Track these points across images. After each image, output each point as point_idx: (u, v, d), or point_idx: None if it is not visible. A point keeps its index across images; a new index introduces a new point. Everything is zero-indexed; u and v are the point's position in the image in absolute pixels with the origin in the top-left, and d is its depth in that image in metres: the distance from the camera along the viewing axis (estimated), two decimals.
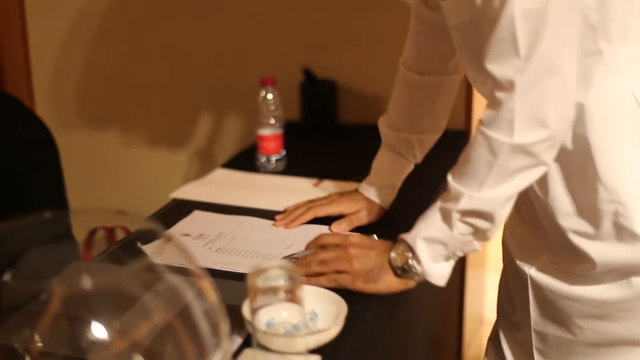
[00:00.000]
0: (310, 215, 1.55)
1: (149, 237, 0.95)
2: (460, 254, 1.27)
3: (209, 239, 1.49)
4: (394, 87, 1.57)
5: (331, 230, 1.51)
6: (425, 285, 1.28)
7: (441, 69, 1.50)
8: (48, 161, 2.19)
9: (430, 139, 1.57)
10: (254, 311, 1.06)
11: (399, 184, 1.58)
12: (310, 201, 1.60)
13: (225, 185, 1.81)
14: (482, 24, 1.16)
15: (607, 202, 1.23)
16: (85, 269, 0.94)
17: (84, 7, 2.55)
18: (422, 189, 1.62)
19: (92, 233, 2.54)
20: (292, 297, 1.06)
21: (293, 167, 1.93)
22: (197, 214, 1.63)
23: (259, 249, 1.45)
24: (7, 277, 0.89)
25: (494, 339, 1.56)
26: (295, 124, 2.30)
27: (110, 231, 2.51)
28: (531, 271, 1.39)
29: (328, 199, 1.59)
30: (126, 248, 1.20)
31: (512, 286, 1.48)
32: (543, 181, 1.30)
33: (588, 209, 1.25)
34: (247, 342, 1.14)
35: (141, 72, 2.58)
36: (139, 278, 0.90)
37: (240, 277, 1.23)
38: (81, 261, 0.90)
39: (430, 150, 1.59)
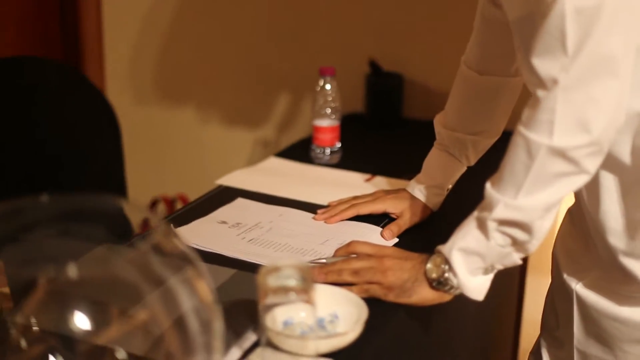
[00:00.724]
0: (352, 212, 1.50)
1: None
2: (499, 266, 1.19)
3: (245, 229, 1.46)
4: (453, 85, 1.50)
5: (383, 236, 1.45)
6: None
7: (502, 70, 1.42)
8: (110, 140, 2.21)
9: (486, 142, 1.49)
10: (263, 310, 1.03)
11: (448, 185, 1.52)
12: (355, 197, 1.55)
13: (274, 174, 1.77)
14: (536, 19, 1.08)
15: None
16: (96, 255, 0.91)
17: None
18: (477, 194, 1.54)
19: (153, 204, 2.57)
20: (304, 297, 1.02)
21: (349, 160, 1.88)
22: (239, 201, 1.60)
23: (293, 243, 1.41)
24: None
25: (535, 353, 1.50)
26: (358, 116, 2.26)
27: (170, 203, 2.53)
28: (578, 287, 1.32)
29: (373, 196, 1.54)
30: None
31: (557, 301, 1.41)
32: (594, 194, 1.22)
33: None
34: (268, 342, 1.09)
35: (212, 55, 2.57)
36: (136, 270, 0.87)
37: None
38: (106, 245, 0.87)
39: (490, 153, 1.51)
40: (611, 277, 1.26)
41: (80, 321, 0.88)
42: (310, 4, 2.36)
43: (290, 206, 1.58)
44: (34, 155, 2.05)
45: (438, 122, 1.52)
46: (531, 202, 1.11)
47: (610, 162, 1.17)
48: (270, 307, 1.03)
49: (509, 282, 2.11)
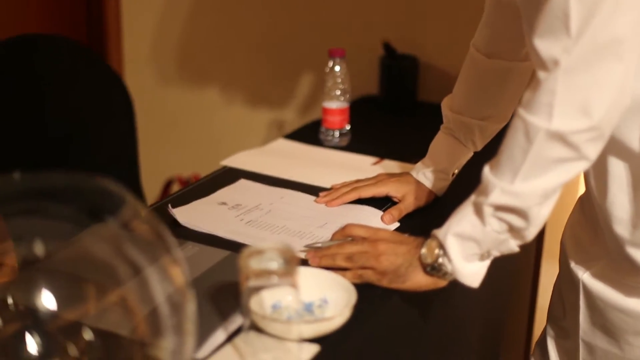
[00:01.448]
0: (353, 196, 1.48)
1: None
2: (496, 253, 1.16)
3: (244, 210, 1.44)
4: (462, 68, 1.47)
5: (383, 220, 1.42)
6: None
7: (511, 54, 1.38)
8: (123, 120, 2.20)
9: (493, 128, 1.46)
10: (246, 293, 1.01)
11: (453, 170, 1.49)
12: (358, 181, 1.53)
13: (280, 156, 1.75)
14: None
15: None
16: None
17: None
18: None
19: (168, 184, 2.57)
20: (287, 280, 1.00)
21: (359, 143, 1.85)
22: (242, 182, 1.59)
23: (291, 226, 1.39)
24: None
25: (541, 344, 1.47)
26: (373, 98, 2.23)
27: (185, 183, 2.53)
28: (585, 276, 1.29)
29: (375, 179, 1.51)
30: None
31: (564, 290, 1.38)
32: (602, 182, 1.18)
33: None
34: (253, 325, 1.07)
35: (227, 37, 2.55)
36: (108, 249, 0.86)
37: None
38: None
39: (497, 139, 1.47)
40: (618, 267, 1.23)
41: (53, 298, 0.87)
42: None
43: (294, 188, 1.56)
44: (44, 134, 2.05)
45: (445, 105, 1.49)
46: (528, 188, 1.07)
47: (619, 149, 1.14)
48: (252, 290, 1.02)
49: (524, 269, 2.08)
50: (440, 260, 1.16)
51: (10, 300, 0.92)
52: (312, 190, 1.54)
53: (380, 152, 1.79)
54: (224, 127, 2.62)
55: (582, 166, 1.07)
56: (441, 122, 1.50)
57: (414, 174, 1.49)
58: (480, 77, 1.43)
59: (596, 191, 1.21)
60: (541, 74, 1.04)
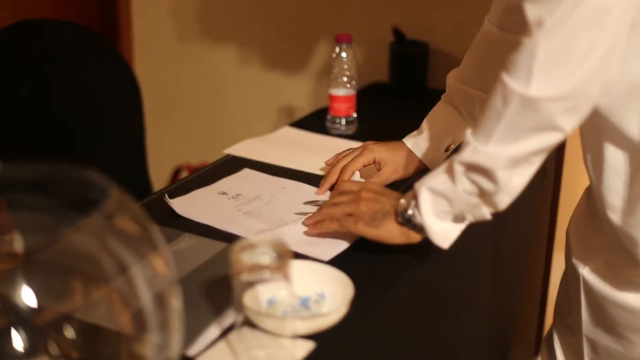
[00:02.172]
0: (348, 174, 1.42)
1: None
2: (470, 218, 1.15)
3: (244, 200, 1.41)
4: (473, 41, 1.44)
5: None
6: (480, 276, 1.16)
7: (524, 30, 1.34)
8: (130, 106, 2.18)
9: None
10: (238, 288, 0.98)
11: (447, 142, 1.44)
12: (342, 153, 1.48)
13: (285, 144, 1.72)
14: None
15: None
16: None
17: None
18: None
19: (176, 172, 2.56)
20: (279, 275, 0.97)
21: (366, 131, 1.82)
22: (245, 172, 1.56)
23: (289, 217, 1.35)
24: None
25: (548, 340, 1.43)
26: (382, 85, 2.19)
27: (194, 171, 2.51)
28: (584, 271, 1.26)
29: (362, 147, 1.46)
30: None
31: (570, 285, 1.35)
32: (598, 168, 1.15)
33: None
34: (247, 321, 1.05)
35: (238, 23, 2.52)
36: (91, 243, 0.83)
37: None
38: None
39: None
40: (616, 260, 1.20)
41: (37, 293, 0.85)
42: None
43: (297, 178, 1.52)
44: (51, 120, 2.04)
45: (451, 76, 1.47)
46: (498, 151, 1.06)
47: (617, 136, 1.11)
48: (245, 285, 0.99)
49: (534, 263, 2.05)
50: (410, 211, 1.15)
51: None
52: (316, 179, 1.51)
53: (388, 140, 1.74)
54: (234, 114, 2.60)
55: (555, 137, 1.05)
56: None
57: (405, 140, 1.45)
58: (491, 48, 1.39)
59: (593, 177, 1.19)
60: (525, 39, 1.02)
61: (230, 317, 1.07)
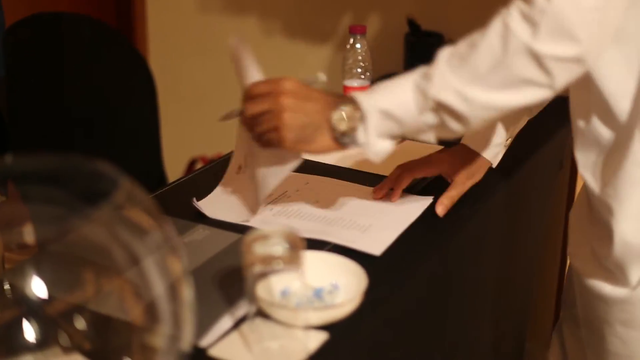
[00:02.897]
0: (407, 180, 1.37)
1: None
2: (409, 137, 1.12)
3: (271, 198, 1.38)
4: None
5: (436, 212, 1.33)
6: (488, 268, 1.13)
7: None
8: (145, 98, 2.19)
9: None
10: (251, 279, 0.98)
11: (507, 137, 1.38)
12: (401, 170, 1.40)
13: None
14: None
15: None
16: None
17: None
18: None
19: (191, 164, 2.56)
20: (292, 266, 0.96)
21: None
22: None
23: (319, 213, 1.34)
24: None
25: (557, 331, 1.42)
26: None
27: (208, 162, 2.51)
28: (574, 260, 1.24)
29: (428, 157, 1.40)
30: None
31: (570, 276, 1.33)
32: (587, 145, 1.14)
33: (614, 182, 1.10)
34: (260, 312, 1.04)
35: (250, 12, 2.51)
36: (103, 234, 0.83)
37: None
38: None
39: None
40: (599, 246, 1.16)
41: (49, 284, 0.85)
42: None
43: (313, 172, 1.50)
44: (66, 112, 2.05)
45: None
46: (483, 99, 1.01)
47: (609, 118, 1.09)
48: (258, 276, 0.98)
49: (552, 252, 2.03)
50: (357, 133, 1.09)
51: (6, 286, 0.90)
52: (332, 172, 1.50)
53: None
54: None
55: (545, 94, 1.01)
56: None
57: (466, 143, 1.38)
58: None
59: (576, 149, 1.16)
60: None
61: (243, 308, 1.06)
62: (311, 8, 2.40)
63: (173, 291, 0.82)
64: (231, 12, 2.58)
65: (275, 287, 1.07)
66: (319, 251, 1.16)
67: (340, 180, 1.47)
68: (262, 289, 1.02)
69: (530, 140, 1.60)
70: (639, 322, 1.15)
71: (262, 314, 1.02)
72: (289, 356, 0.99)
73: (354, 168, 1.53)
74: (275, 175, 1.24)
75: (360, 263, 1.12)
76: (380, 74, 2.14)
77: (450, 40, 2.09)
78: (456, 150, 1.39)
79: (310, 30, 2.43)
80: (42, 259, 0.86)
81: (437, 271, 1.27)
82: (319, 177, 1.49)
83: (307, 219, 1.32)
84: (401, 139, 1.52)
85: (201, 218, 1.32)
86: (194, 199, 1.35)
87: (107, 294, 0.87)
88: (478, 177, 1.37)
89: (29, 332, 0.87)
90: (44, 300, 0.85)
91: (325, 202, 1.38)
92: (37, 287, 0.85)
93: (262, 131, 1.14)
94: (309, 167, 1.47)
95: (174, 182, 1.49)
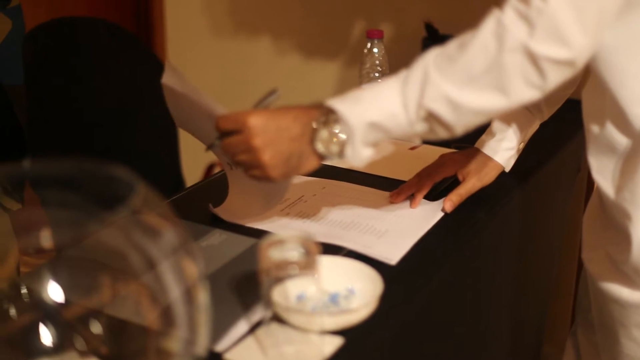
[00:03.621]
0: (428, 185, 1.38)
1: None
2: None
3: (288, 203, 1.39)
4: None
5: (444, 209, 1.34)
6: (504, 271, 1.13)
7: None
8: (162, 102, 2.19)
9: (560, 93, 1.34)
10: (267, 284, 0.98)
11: (520, 143, 1.38)
12: (419, 176, 1.41)
13: None
14: None
15: None
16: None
17: None
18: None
19: (210, 168, 2.56)
20: (308, 271, 0.97)
21: None
22: None
23: (339, 217, 1.34)
24: None
25: (572, 335, 1.42)
26: None
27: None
28: (590, 265, 1.23)
29: (440, 160, 1.42)
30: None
31: (585, 280, 1.33)
32: (602, 155, 1.13)
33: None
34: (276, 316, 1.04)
35: (267, 22, 2.52)
36: (119, 238, 0.83)
37: None
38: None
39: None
40: (615, 250, 1.16)
41: (65, 289, 0.86)
42: None
43: (330, 176, 1.50)
44: (83, 116, 2.05)
45: None
46: (474, 104, 0.99)
47: (624, 124, 1.08)
48: (274, 281, 0.99)
49: (569, 256, 2.02)
50: (346, 150, 1.05)
51: (24, 291, 0.91)
52: (348, 176, 1.50)
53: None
54: None
55: (535, 95, 0.99)
56: None
57: (479, 146, 1.39)
58: None
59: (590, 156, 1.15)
60: None
61: (258, 313, 1.07)
62: (327, 14, 2.41)
63: (189, 295, 0.82)
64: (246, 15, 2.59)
65: (291, 292, 1.06)
66: (335, 256, 1.16)
67: (356, 185, 1.47)
68: (277, 294, 1.02)
69: (547, 145, 1.60)
70: None
71: (277, 318, 1.02)
72: None
73: (370, 172, 1.52)
74: (276, 194, 1.25)
75: (376, 268, 1.12)
76: None
77: None
78: (469, 152, 1.39)
79: (326, 37, 2.43)
80: (59, 263, 0.86)
81: (453, 276, 1.27)
82: (335, 181, 1.49)
83: (323, 224, 1.32)
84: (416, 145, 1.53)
85: (218, 222, 1.32)
86: (210, 205, 1.36)
87: (123, 298, 0.87)
88: (488, 179, 1.37)
89: (46, 336, 0.88)
90: (60, 304, 0.86)
91: (342, 206, 1.38)
92: (54, 291, 0.85)
93: (245, 168, 1.11)
94: (325, 172, 1.48)
95: (191, 186, 1.49)
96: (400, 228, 1.30)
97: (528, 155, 1.43)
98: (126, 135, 2.14)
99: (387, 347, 1.10)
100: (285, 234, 0.98)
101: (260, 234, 1.26)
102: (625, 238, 1.11)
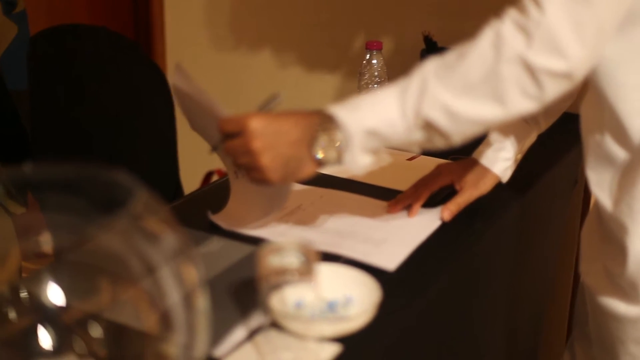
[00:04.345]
0: (425, 195, 1.39)
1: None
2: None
3: (286, 211, 1.39)
4: None
5: (442, 217, 1.35)
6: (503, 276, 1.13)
7: None
8: (162, 112, 2.20)
9: (558, 105, 1.33)
10: (265, 290, 0.99)
11: (517, 153, 1.38)
12: (416, 186, 1.42)
13: None
14: None
15: None
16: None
17: None
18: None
19: (208, 176, 2.57)
20: (306, 278, 0.97)
21: None
22: None
23: (337, 225, 1.35)
24: None
25: (570, 349, 1.42)
26: None
27: (224, 174, 2.52)
28: (587, 278, 1.23)
29: (437, 170, 1.42)
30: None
31: (582, 293, 1.33)
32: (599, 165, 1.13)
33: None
34: (274, 323, 1.05)
35: (265, 33, 2.53)
36: (123, 243, 0.84)
37: None
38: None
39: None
40: (612, 264, 1.16)
41: (65, 292, 0.86)
42: None
43: (329, 185, 1.51)
44: (82, 123, 2.06)
45: None
46: (471, 113, 1.00)
47: (623, 137, 1.09)
48: (273, 287, 0.99)
49: (565, 268, 2.03)
50: (344, 157, 1.06)
51: (24, 294, 0.91)
52: (346, 186, 1.51)
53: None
54: None
55: (533, 106, 1.00)
56: None
57: (476, 156, 1.39)
58: None
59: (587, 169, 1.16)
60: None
61: (257, 319, 1.07)
62: (326, 26, 2.42)
63: (188, 301, 0.83)
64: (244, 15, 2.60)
65: (289, 298, 1.07)
66: (333, 263, 1.17)
67: (354, 194, 1.48)
68: (276, 301, 1.02)
69: (544, 157, 1.61)
70: None
71: (275, 325, 1.02)
72: None
73: (368, 182, 1.53)
74: (276, 201, 1.26)
75: (374, 276, 1.12)
76: None
77: None
78: (466, 162, 1.40)
79: (325, 48, 2.44)
80: (59, 267, 0.87)
81: (449, 285, 1.27)
82: (333, 190, 1.50)
83: (322, 232, 1.33)
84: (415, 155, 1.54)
85: (216, 229, 1.33)
86: (209, 212, 1.36)
87: (122, 303, 0.87)
88: (485, 189, 1.38)
89: (45, 339, 0.88)
90: (60, 308, 0.86)
91: (340, 215, 1.39)
92: (54, 295, 0.86)
93: (246, 171, 1.13)
94: (324, 181, 1.48)
95: (189, 194, 1.50)
96: (398, 236, 1.31)
97: (525, 168, 1.43)
98: (125, 142, 2.14)
99: (384, 354, 1.10)
100: (284, 241, 0.99)
101: (258, 241, 1.27)
102: (622, 251, 1.12)
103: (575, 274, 2.07)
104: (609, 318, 1.19)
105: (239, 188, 1.36)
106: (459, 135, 1.04)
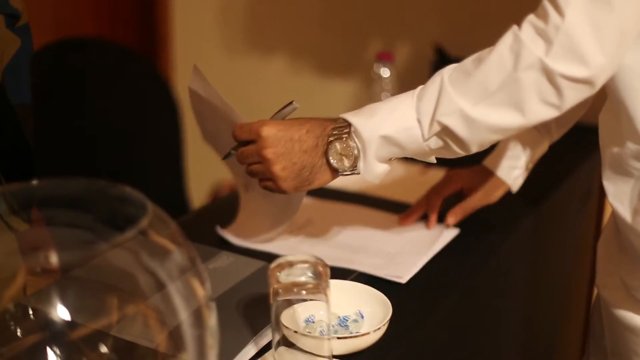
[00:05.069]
0: (438, 202, 1.37)
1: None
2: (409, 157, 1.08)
3: (296, 226, 1.38)
4: None
5: (447, 222, 1.34)
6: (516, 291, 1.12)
7: None
8: (168, 124, 2.20)
9: (571, 114, 1.28)
10: (277, 307, 0.97)
11: (528, 164, 1.36)
12: (428, 195, 1.41)
13: None
14: None
15: None
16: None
17: None
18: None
19: (215, 192, 2.56)
20: (317, 294, 0.95)
21: None
22: None
23: (347, 240, 1.34)
24: None
25: None
26: None
27: (232, 188, 2.52)
28: (604, 292, 1.21)
29: (447, 176, 1.41)
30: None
31: (597, 307, 1.31)
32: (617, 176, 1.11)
33: None
34: (285, 340, 1.03)
35: (277, 41, 2.52)
36: (131, 259, 0.82)
37: None
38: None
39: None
40: (631, 277, 1.14)
41: (72, 309, 0.85)
42: None
43: (340, 198, 1.49)
44: (89, 136, 2.05)
45: None
46: (489, 120, 0.98)
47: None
48: (283, 304, 0.98)
49: (580, 281, 2.01)
50: (359, 164, 1.05)
51: (30, 311, 0.90)
52: (356, 199, 1.49)
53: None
54: None
55: (552, 114, 0.98)
56: None
57: (487, 164, 1.37)
58: None
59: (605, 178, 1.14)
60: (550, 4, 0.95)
61: (267, 336, 1.05)
62: (339, 35, 2.41)
63: (197, 318, 0.81)
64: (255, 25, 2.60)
65: (300, 315, 1.06)
66: (344, 280, 1.15)
67: (365, 208, 1.46)
68: (286, 317, 1.01)
69: (558, 169, 1.59)
70: None
71: (286, 342, 1.01)
72: None
73: (378, 195, 1.51)
74: (286, 213, 1.25)
75: (386, 292, 1.10)
76: None
77: None
78: (476, 169, 1.38)
79: (337, 57, 2.44)
80: (65, 283, 0.85)
81: (462, 301, 1.25)
82: (343, 204, 1.48)
83: (332, 247, 1.31)
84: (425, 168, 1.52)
85: (225, 245, 1.31)
86: (218, 227, 1.35)
87: (130, 320, 0.86)
88: (494, 197, 1.36)
89: (52, 357, 0.87)
90: (67, 325, 0.85)
91: (350, 229, 1.37)
92: (61, 312, 0.84)
93: (259, 179, 1.12)
94: (333, 195, 1.47)
95: (198, 209, 1.48)
96: (410, 249, 1.29)
97: (539, 181, 1.42)
98: (132, 157, 2.13)
99: None
100: (294, 256, 0.97)
101: (268, 256, 1.25)
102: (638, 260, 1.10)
103: (590, 287, 2.04)
104: (625, 332, 1.16)
105: (249, 201, 1.34)
106: (476, 142, 1.02)
